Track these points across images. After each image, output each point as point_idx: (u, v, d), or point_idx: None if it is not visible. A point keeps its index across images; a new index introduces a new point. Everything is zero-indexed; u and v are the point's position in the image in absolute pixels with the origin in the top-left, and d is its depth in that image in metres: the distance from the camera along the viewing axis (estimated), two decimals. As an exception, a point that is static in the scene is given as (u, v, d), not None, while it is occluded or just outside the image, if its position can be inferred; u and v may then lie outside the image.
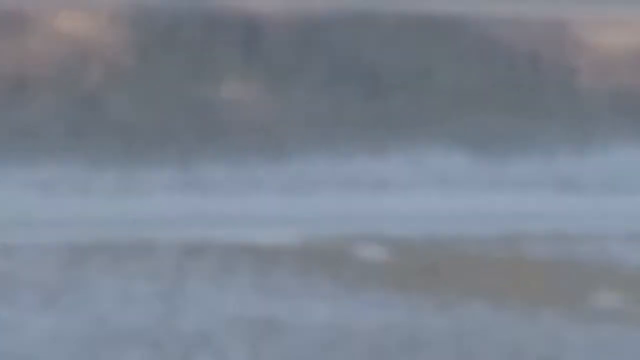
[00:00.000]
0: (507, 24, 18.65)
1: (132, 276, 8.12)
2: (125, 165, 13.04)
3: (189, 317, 6.68)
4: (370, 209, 9.49)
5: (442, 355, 5.45)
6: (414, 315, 6.74)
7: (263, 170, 12.57)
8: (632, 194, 10.96)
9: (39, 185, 10.66)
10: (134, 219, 9.51)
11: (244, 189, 10.88)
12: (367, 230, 8.61)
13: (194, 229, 9.21)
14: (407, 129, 16.61)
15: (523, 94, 18.37)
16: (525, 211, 9.39)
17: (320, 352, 5.85)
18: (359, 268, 7.74)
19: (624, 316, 6.37)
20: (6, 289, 7.78)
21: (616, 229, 8.75)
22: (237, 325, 7.09)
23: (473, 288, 7.49)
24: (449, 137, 14.84)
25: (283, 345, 6.14)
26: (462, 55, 17.28)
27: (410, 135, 15.67)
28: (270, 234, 8.81)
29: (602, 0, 19.90)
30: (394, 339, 5.78)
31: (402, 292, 7.13)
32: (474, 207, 9.20)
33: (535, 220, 8.61)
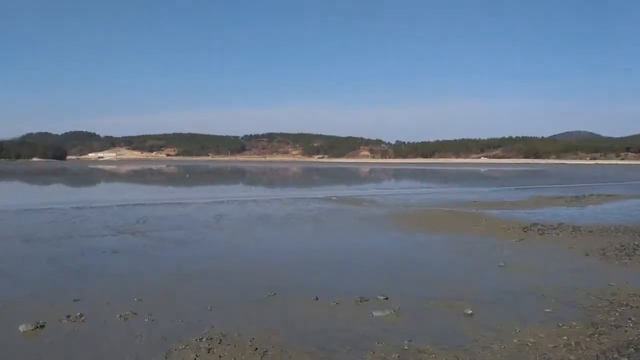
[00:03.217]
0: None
1: (281, 203, 22.79)
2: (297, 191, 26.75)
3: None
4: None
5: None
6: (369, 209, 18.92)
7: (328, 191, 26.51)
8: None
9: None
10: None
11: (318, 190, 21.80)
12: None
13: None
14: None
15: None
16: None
17: (345, 215, 18.26)
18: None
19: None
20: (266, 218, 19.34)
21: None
22: (315, 211, 20.88)
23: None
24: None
25: (331, 217, 18.84)
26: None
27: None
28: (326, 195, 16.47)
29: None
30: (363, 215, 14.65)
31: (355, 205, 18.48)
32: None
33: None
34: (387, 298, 7.28)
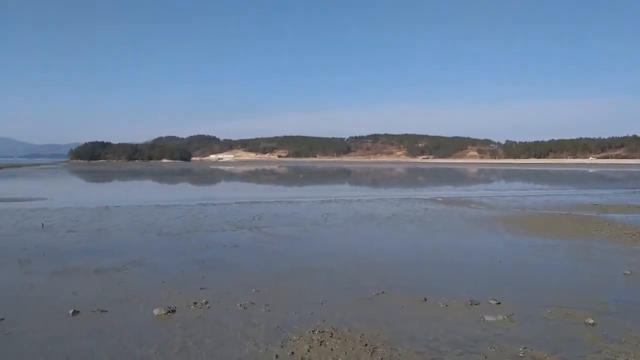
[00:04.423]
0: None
1: (386, 204, 19.50)
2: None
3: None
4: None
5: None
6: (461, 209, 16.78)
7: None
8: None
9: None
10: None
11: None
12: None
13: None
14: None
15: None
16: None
17: (452, 217, 18.32)
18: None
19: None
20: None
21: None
22: (420, 211, 19.79)
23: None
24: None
25: (437, 218, 16.99)
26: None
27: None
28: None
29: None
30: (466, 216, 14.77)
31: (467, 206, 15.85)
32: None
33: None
34: (499, 303, 6.93)
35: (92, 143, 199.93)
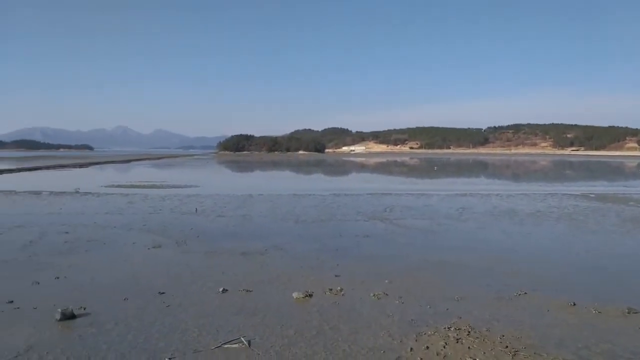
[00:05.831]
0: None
1: (529, 199, 18.17)
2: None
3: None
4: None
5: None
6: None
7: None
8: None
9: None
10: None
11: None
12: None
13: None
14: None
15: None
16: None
17: (607, 215, 16.39)
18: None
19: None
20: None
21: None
22: (569, 208, 16.08)
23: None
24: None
25: (588, 216, 14.24)
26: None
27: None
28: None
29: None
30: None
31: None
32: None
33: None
34: (665, 314, 6.09)
35: (237, 136, 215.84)
